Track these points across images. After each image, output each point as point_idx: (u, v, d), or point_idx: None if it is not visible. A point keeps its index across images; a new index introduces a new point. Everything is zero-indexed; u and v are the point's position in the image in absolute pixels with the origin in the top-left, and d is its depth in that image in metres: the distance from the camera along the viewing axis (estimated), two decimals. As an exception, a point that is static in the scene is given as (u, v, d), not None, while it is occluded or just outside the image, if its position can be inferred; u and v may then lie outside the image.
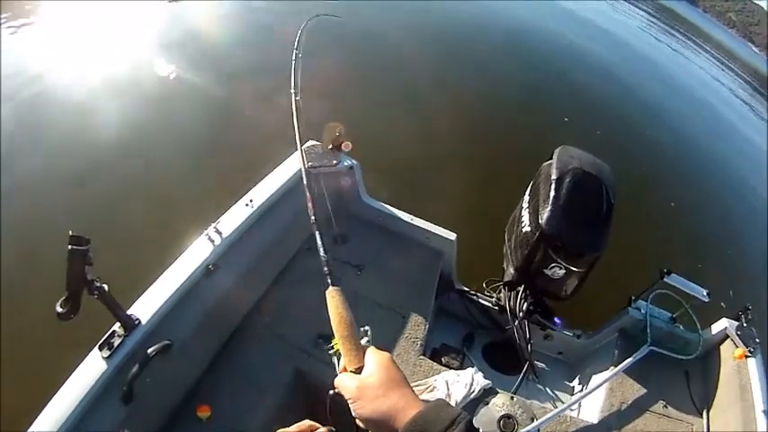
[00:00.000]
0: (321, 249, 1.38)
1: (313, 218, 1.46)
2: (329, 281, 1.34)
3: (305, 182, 1.51)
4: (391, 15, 10.16)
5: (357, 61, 7.67)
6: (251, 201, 2.34)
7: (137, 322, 1.84)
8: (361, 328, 1.22)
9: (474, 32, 10.99)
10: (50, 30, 6.62)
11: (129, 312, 1.83)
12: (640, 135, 9.27)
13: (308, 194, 1.44)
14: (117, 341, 1.78)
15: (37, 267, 3.35)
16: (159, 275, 2.02)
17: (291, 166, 2.59)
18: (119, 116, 5.10)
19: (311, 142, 2.73)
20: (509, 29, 12.26)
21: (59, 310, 1.53)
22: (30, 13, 6.71)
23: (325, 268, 1.34)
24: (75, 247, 1.49)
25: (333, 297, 1.27)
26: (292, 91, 1.89)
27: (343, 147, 2.67)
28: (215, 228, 2.17)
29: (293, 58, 2.04)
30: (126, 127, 5.01)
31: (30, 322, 3.03)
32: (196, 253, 2.11)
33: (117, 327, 1.81)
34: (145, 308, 1.88)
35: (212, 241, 2.13)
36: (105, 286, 1.63)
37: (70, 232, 1.49)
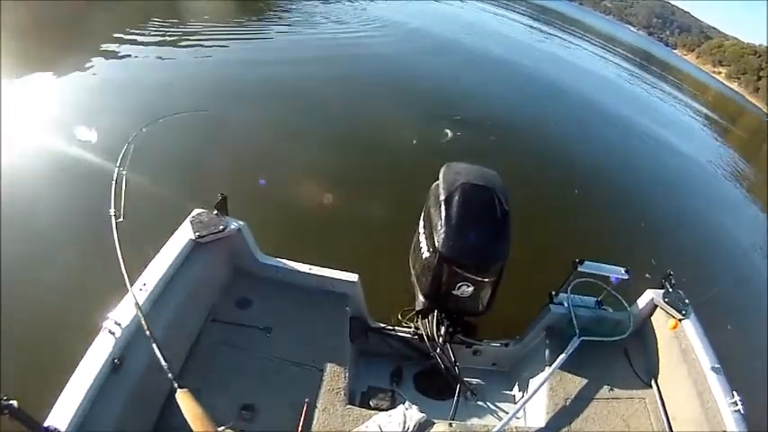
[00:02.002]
0: (161, 359, 1.38)
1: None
2: (175, 385, 1.30)
3: None
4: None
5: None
6: (144, 284, 2.21)
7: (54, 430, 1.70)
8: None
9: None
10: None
11: (46, 425, 1.69)
12: (530, 134, 9.71)
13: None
14: None
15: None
16: (67, 379, 1.87)
17: (180, 239, 2.49)
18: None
19: (197, 210, 2.64)
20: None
21: None
22: None
23: (170, 375, 1.31)
24: None
25: (183, 399, 1.24)
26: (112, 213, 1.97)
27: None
28: (113, 319, 2.03)
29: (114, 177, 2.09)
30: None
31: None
32: (100, 349, 1.97)
33: None
34: (61, 416, 1.75)
35: (113, 334, 2.00)
36: (14, 402, 1.51)
37: None
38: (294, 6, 15.00)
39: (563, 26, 36.80)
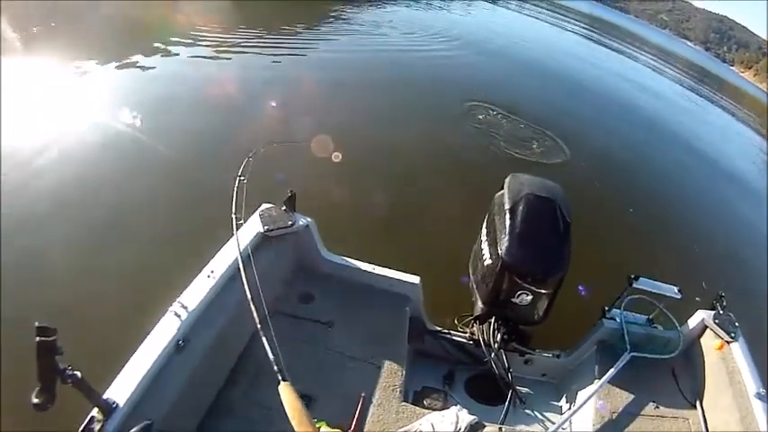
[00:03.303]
0: (267, 348, 1.45)
1: (257, 319, 1.58)
2: (279, 377, 1.42)
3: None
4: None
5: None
6: (212, 272, 2.33)
7: (114, 406, 1.80)
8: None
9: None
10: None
11: (105, 396, 1.79)
12: (588, 148, 9.54)
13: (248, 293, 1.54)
14: (97, 426, 1.75)
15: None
16: (130, 356, 1.98)
17: (249, 231, 2.60)
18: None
19: (266, 205, 2.75)
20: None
21: (35, 401, 1.50)
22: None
23: (275, 367, 1.45)
24: (42, 338, 1.48)
25: (285, 392, 1.32)
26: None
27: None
28: (180, 303, 2.16)
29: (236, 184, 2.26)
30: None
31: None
32: (165, 330, 2.08)
33: (95, 412, 1.78)
34: (120, 390, 1.85)
35: (179, 316, 2.12)
36: (78, 373, 1.60)
37: (36, 324, 1.48)
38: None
39: (619, 40, 35.92)
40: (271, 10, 13.42)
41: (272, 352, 1.65)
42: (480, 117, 9.35)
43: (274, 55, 10.30)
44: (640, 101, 16.77)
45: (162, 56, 9.03)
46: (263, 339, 1.59)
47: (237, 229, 2.19)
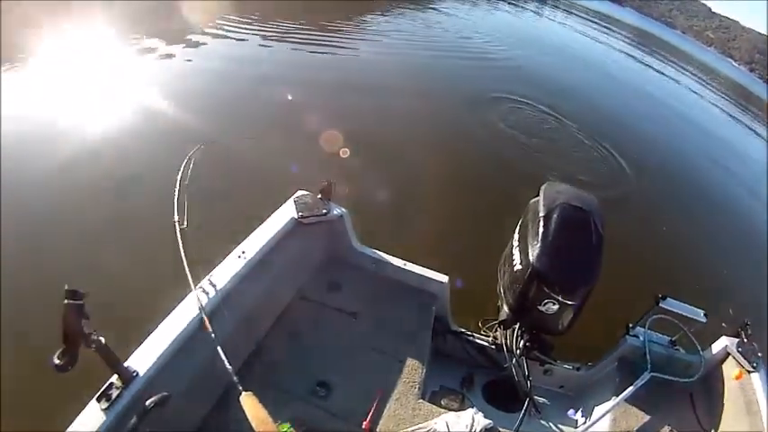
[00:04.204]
0: (225, 361, 1.59)
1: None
2: (240, 388, 1.46)
3: None
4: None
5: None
6: (243, 252, 2.37)
7: (134, 374, 1.84)
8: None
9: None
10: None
11: (126, 364, 1.83)
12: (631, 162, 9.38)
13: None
14: (115, 393, 1.79)
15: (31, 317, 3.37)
16: (155, 327, 2.03)
17: (282, 216, 2.63)
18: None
19: (301, 192, 2.77)
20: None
21: (56, 362, 1.53)
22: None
23: (235, 378, 1.50)
24: (71, 301, 1.51)
25: (247, 402, 1.33)
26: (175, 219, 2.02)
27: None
28: (209, 280, 2.19)
29: (177, 187, 2.15)
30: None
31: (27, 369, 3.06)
32: (191, 305, 2.12)
33: (114, 379, 1.81)
34: (142, 360, 1.89)
35: (207, 293, 2.15)
36: (102, 339, 1.64)
37: (66, 286, 1.51)
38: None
39: (665, 56, 35.02)
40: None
41: (229, 363, 1.67)
42: (523, 122, 9.37)
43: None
44: (684, 120, 16.44)
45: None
46: (221, 354, 1.65)
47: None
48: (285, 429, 1.52)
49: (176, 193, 2.15)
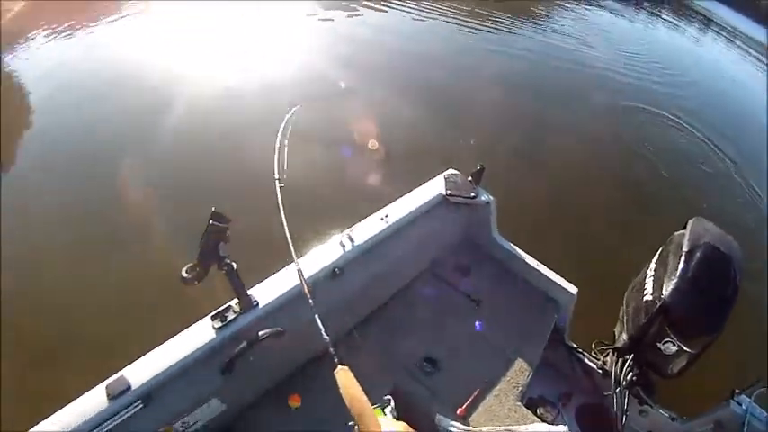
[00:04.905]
0: (323, 331, 1.51)
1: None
2: (335, 360, 1.42)
3: None
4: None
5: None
6: (386, 216, 2.43)
7: (255, 304, 1.94)
8: (384, 397, 1.25)
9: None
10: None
11: (249, 293, 1.94)
12: None
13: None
14: (231, 316, 1.89)
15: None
16: (286, 266, 2.12)
17: (430, 190, 2.67)
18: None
19: (451, 171, 2.80)
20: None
21: (185, 275, 1.65)
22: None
23: (331, 349, 1.45)
24: (215, 223, 1.62)
25: (341, 377, 1.35)
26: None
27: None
28: (348, 235, 2.27)
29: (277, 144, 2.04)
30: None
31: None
32: (326, 254, 2.21)
33: (234, 303, 1.92)
34: (265, 293, 1.99)
35: (343, 246, 2.24)
36: (234, 264, 1.75)
37: (213, 209, 1.62)
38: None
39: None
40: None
41: (326, 334, 1.58)
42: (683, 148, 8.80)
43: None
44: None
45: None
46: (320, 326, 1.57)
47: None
48: (378, 412, 1.53)
49: (276, 150, 2.04)
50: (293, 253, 1.78)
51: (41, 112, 6.01)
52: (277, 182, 1.91)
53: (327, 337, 1.51)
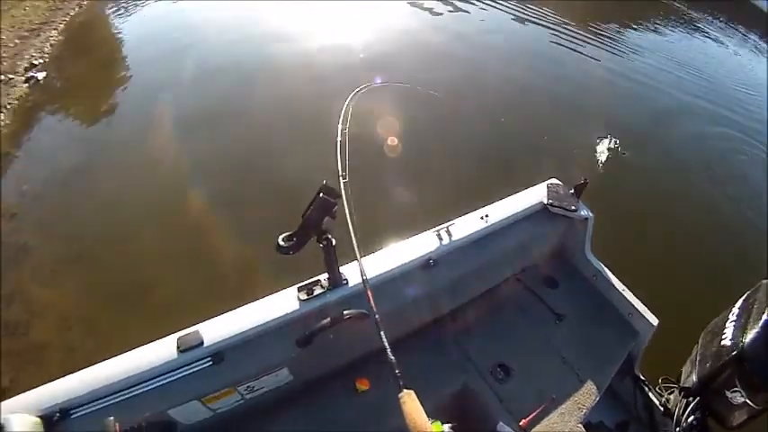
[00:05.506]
0: (389, 352, 1.42)
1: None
2: (400, 383, 1.36)
3: None
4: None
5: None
6: (486, 216, 2.44)
7: (344, 282, 1.96)
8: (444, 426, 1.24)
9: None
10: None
11: (341, 270, 1.95)
12: None
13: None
14: (318, 291, 1.92)
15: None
16: (381, 249, 2.17)
17: (532, 196, 2.68)
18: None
19: (554, 180, 2.78)
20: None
21: (281, 243, 1.66)
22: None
23: (397, 371, 1.38)
24: (325, 196, 1.62)
25: (406, 402, 1.30)
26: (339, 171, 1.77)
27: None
28: (447, 228, 2.29)
29: (338, 136, 1.86)
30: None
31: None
32: (423, 243, 2.24)
33: (323, 278, 1.95)
34: (355, 273, 1.98)
35: (440, 239, 2.27)
36: (333, 241, 1.74)
37: (324, 182, 1.61)
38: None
39: None
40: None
41: (393, 357, 1.46)
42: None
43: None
44: None
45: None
46: (388, 348, 1.46)
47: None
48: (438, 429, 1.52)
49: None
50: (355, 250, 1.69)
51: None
52: (341, 179, 1.74)
53: (393, 358, 1.43)
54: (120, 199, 4.77)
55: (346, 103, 1.97)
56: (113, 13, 9.28)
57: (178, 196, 4.79)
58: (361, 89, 2.04)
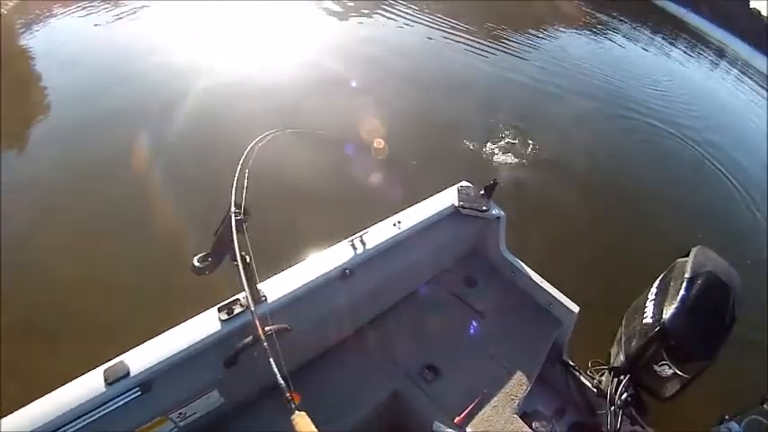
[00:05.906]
0: (276, 372, 1.37)
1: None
2: (292, 406, 1.34)
3: None
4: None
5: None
6: (399, 222, 2.47)
7: (263, 298, 1.94)
8: None
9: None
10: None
11: (258, 287, 1.92)
12: None
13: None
14: (238, 309, 1.88)
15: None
16: (297, 263, 2.15)
17: (442, 200, 2.72)
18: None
19: (464, 183, 2.85)
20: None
21: (196, 264, 1.65)
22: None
23: (288, 394, 1.35)
24: (237, 214, 1.60)
25: (299, 424, 1.29)
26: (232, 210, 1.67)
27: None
28: (360, 237, 2.31)
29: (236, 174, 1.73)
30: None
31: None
32: (337, 254, 2.24)
33: (242, 296, 1.91)
34: (274, 288, 1.99)
35: (355, 249, 2.27)
36: (248, 258, 1.68)
37: (232, 199, 1.60)
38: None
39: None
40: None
41: (281, 375, 1.43)
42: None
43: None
44: None
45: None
46: (278, 373, 1.42)
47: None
48: None
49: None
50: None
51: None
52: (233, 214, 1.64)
53: (283, 383, 1.41)
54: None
55: (245, 152, 1.80)
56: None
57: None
58: (260, 139, 1.88)
